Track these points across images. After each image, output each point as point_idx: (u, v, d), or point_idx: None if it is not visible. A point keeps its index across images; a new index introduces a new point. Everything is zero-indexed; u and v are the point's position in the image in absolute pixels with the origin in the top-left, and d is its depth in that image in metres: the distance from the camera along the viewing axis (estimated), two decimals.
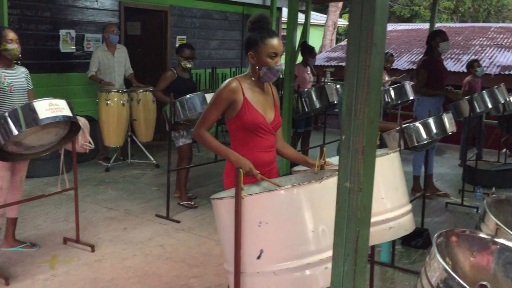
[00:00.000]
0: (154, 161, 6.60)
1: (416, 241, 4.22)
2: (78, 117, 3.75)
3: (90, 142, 3.96)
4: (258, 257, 2.07)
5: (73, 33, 6.81)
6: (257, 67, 2.54)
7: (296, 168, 2.97)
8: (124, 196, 5.38)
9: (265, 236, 2.07)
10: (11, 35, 3.62)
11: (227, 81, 2.58)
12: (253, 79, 2.60)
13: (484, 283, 1.46)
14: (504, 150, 7.39)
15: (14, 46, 3.61)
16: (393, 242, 3.82)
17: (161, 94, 5.06)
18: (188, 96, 4.63)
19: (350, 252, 1.54)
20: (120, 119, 6.21)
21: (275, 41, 2.50)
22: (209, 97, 4.64)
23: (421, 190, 5.28)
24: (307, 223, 2.10)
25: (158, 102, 6.51)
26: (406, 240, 4.22)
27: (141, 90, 6.42)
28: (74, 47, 6.86)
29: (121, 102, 6.17)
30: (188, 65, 5.08)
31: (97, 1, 7.09)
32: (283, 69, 2.60)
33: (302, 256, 2.07)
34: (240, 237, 2.08)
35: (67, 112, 3.50)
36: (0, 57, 3.61)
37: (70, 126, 3.70)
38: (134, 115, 6.44)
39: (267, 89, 2.70)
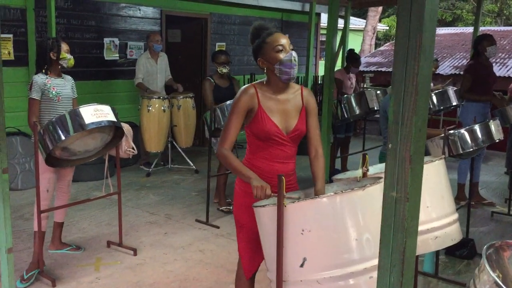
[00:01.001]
0: (194, 167, 6.68)
1: (461, 251, 4.10)
2: (122, 123, 3.84)
3: (133, 148, 4.05)
4: (301, 265, 2.06)
5: (116, 41, 7.00)
6: (270, 69, 2.43)
7: (337, 176, 2.95)
8: (165, 201, 5.46)
9: (308, 244, 2.06)
10: (66, 47, 3.78)
11: (243, 87, 2.49)
12: (268, 86, 2.48)
13: None
14: None
15: (71, 56, 3.77)
16: (437, 252, 3.72)
17: (213, 105, 4.96)
18: (228, 102, 4.66)
19: (397, 263, 1.51)
20: (161, 125, 6.32)
21: (276, 36, 2.41)
22: None
23: (465, 198, 5.13)
24: (350, 231, 2.07)
25: (198, 108, 6.60)
26: (450, 250, 4.10)
27: (181, 97, 6.52)
28: (118, 55, 7.05)
29: (162, 108, 6.28)
30: (224, 70, 5.13)
31: (140, 9, 7.26)
32: (296, 57, 2.41)
33: (345, 264, 2.04)
34: (283, 245, 2.07)
35: (111, 117, 3.59)
36: (53, 66, 3.74)
37: (114, 131, 3.79)
38: (174, 121, 6.54)
39: (294, 95, 2.52)
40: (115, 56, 7.02)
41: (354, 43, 14.76)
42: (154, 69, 6.56)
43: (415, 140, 1.47)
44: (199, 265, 3.86)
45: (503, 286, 1.58)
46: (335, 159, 6.55)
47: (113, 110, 3.67)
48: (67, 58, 3.75)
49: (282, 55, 2.38)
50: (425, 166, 2.61)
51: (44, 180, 3.62)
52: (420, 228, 2.52)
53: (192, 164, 6.70)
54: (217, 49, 8.13)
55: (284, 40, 2.42)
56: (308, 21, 9.14)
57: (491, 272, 1.62)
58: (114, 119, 3.61)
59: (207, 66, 8.23)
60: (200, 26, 8.23)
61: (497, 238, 4.66)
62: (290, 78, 2.43)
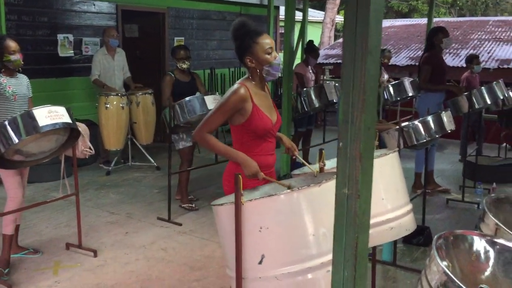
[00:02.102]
0: (155, 164, 6.61)
1: (418, 239, 4.24)
2: (78, 123, 3.76)
3: (90, 148, 3.97)
4: (260, 262, 2.08)
5: (71, 37, 6.82)
6: (258, 69, 2.55)
7: (296, 172, 2.98)
8: (126, 200, 5.40)
9: (266, 241, 2.08)
10: (13, 45, 3.64)
11: (235, 87, 2.55)
12: (253, 82, 2.60)
13: (483, 286, 1.47)
14: (504, 144, 7.38)
15: (16, 57, 3.65)
16: (395, 241, 3.83)
17: (171, 101, 4.96)
18: (187, 98, 4.64)
19: (350, 258, 1.56)
20: (119, 122, 6.22)
21: (266, 37, 2.54)
22: (208, 99, 4.66)
23: (422, 187, 5.29)
24: (307, 226, 2.11)
25: (158, 104, 6.52)
26: (407, 238, 4.23)
27: (140, 93, 6.43)
28: (73, 52, 6.87)
29: (121, 105, 6.18)
30: (184, 66, 5.08)
31: (94, 4, 7.09)
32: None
33: (303, 260, 2.08)
34: (241, 242, 2.09)
35: (66, 118, 3.52)
36: (4, 66, 3.64)
37: (69, 132, 3.71)
38: (134, 118, 6.45)
39: (266, 90, 2.72)
40: (70, 52, 6.84)
41: (313, 35, 14.88)
42: (111, 65, 6.43)
43: (365, 138, 1.51)
44: (161, 264, 3.85)
45: (451, 275, 1.64)
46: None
47: (68, 111, 3.59)
48: (12, 60, 3.62)
49: (272, 58, 2.52)
50: (379, 159, 2.70)
51: (10, 184, 3.58)
52: (376, 220, 2.61)
53: (153, 161, 6.63)
54: (175, 43, 8.04)
55: (272, 42, 2.55)
56: (267, 14, 9.16)
57: (440, 263, 1.69)
58: (69, 120, 3.54)
59: (166, 61, 8.13)
60: (158, 20, 8.12)
61: (452, 224, 4.84)
62: (274, 79, 2.67)
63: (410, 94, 6.89)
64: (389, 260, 3.90)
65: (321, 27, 17.35)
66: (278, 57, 2.57)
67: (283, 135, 2.82)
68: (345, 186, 1.54)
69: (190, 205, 5.10)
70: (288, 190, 2.12)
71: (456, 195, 5.68)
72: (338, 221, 1.58)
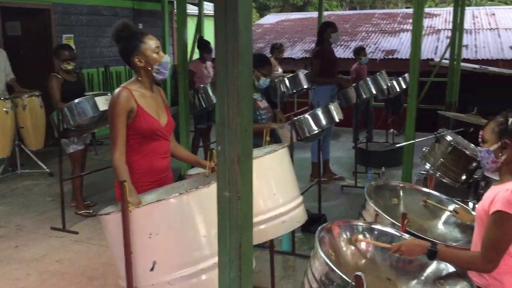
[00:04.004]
0: (47, 170, 6.23)
1: (314, 227, 4.38)
2: None
3: None
4: (152, 269, 2.05)
5: None
6: (148, 68, 2.55)
7: (189, 172, 2.97)
8: (15, 211, 5.04)
9: (157, 247, 2.06)
10: None
11: (115, 92, 2.54)
12: (141, 83, 2.58)
13: (358, 273, 1.57)
14: (392, 130, 7.92)
15: None
16: (293, 231, 3.97)
17: (62, 104, 4.62)
18: (76, 101, 4.41)
19: (235, 259, 1.58)
20: (4, 128, 5.77)
21: (152, 38, 2.59)
22: (99, 101, 4.47)
23: (318, 176, 5.51)
24: (199, 228, 2.11)
25: (47, 107, 6.15)
26: (305, 227, 4.38)
27: (26, 96, 6.02)
28: None
29: (4, 109, 5.73)
30: (69, 67, 4.83)
31: None
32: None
33: (196, 262, 2.08)
34: (130, 252, 2.04)
35: None
36: None
37: None
38: (20, 122, 6.01)
39: (156, 92, 2.70)
40: None
41: (211, 29, 14.85)
42: None
43: (242, 140, 1.53)
44: (55, 277, 3.65)
45: (331, 265, 1.73)
46: (197, 149, 6.59)
47: None
48: None
49: (160, 57, 2.55)
50: (269, 156, 2.77)
51: None
52: (269, 214, 2.68)
53: (45, 167, 6.24)
54: (64, 41, 7.62)
55: (158, 42, 2.61)
56: (161, 9, 9.00)
57: (322, 254, 1.77)
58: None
59: (54, 61, 7.67)
60: (43, 17, 7.62)
61: (347, 210, 5.10)
62: (164, 78, 2.65)
63: (305, 86, 7.15)
64: (289, 249, 4.04)
65: None
66: (166, 56, 2.60)
67: (198, 158, 2.81)
68: (226, 189, 1.56)
69: (86, 211, 4.89)
70: (177, 194, 2.10)
71: (350, 181, 5.99)
72: (221, 224, 1.59)
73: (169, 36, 9.36)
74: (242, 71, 1.48)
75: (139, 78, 2.59)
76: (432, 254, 1.93)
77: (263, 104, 3.98)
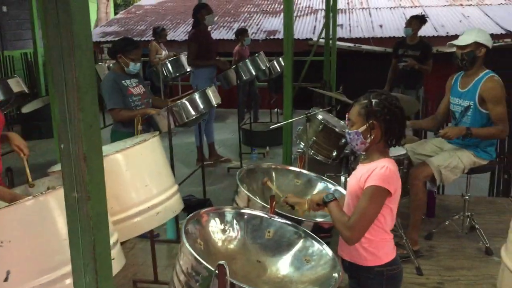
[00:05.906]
0: None
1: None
2: None
3: None
4: (6, 280, 1.88)
5: None
6: None
7: (53, 168, 2.78)
8: None
9: (11, 256, 1.88)
10: None
11: None
12: None
13: (221, 262, 1.56)
14: (276, 109, 8.12)
15: None
16: (177, 218, 3.92)
17: None
18: None
19: (90, 262, 1.49)
20: None
21: None
22: None
23: (204, 160, 5.50)
24: (59, 231, 1.98)
25: None
26: (190, 214, 4.36)
27: None
28: None
29: None
30: None
31: None
32: None
33: (59, 266, 1.94)
34: None
35: None
36: None
37: None
38: None
39: None
40: None
41: (90, 12, 14.04)
42: None
43: (87, 137, 1.43)
44: None
45: (197, 256, 1.71)
46: None
47: None
48: None
49: None
50: (140, 145, 2.67)
51: None
52: (141, 207, 2.59)
53: None
54: None
55: None
56: None
57: (188, 246, 1.74)
58: None
59: None
60: None
61: (232, 192, 5.14)
62: None
63: (188, 70, 7.05)
64: (174, 238, 3.99)
65: (96, 3, 16.50)
66: None
67: (12, 133, 2.57)
68: (74, 190, 1.46)
69: None
70: (31, 197, 1.94)
71: (236, 163, 6.05)
72: (71, 227, 1.49)
73: (38, 19, 8.66)
74: (82, 63, 1.37)
75: None
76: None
77: (136, 90, 3.84)
